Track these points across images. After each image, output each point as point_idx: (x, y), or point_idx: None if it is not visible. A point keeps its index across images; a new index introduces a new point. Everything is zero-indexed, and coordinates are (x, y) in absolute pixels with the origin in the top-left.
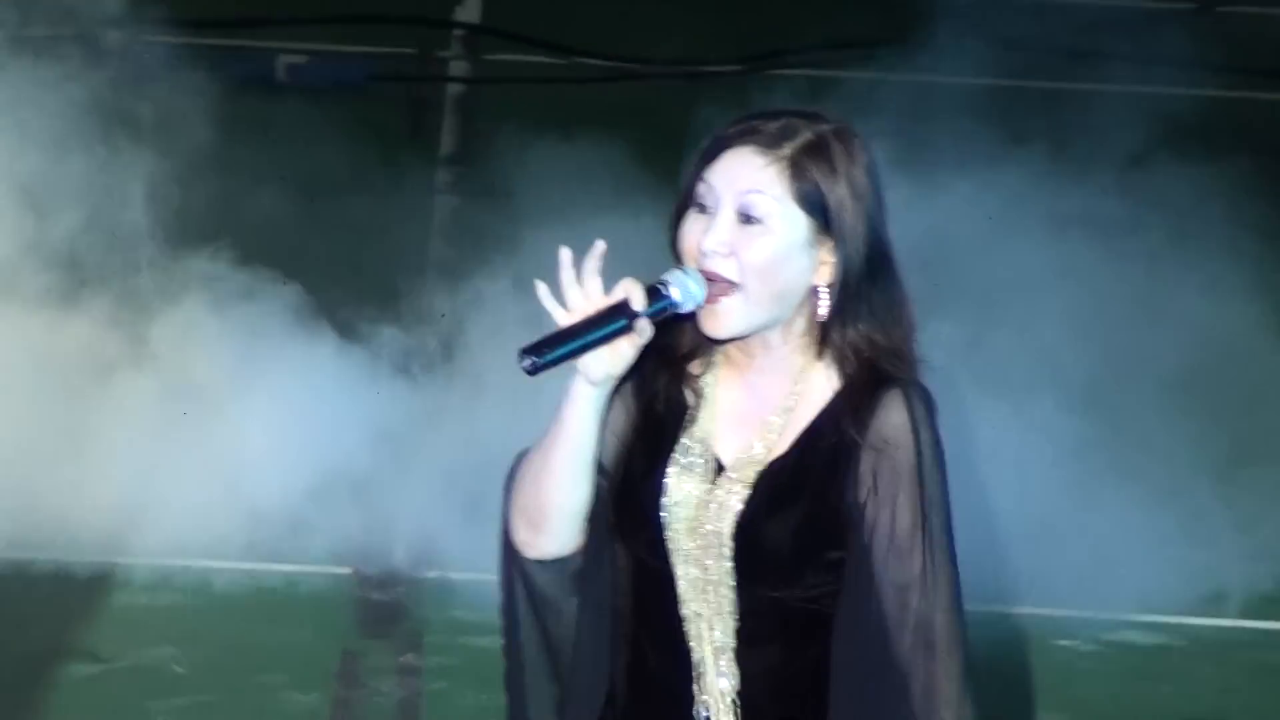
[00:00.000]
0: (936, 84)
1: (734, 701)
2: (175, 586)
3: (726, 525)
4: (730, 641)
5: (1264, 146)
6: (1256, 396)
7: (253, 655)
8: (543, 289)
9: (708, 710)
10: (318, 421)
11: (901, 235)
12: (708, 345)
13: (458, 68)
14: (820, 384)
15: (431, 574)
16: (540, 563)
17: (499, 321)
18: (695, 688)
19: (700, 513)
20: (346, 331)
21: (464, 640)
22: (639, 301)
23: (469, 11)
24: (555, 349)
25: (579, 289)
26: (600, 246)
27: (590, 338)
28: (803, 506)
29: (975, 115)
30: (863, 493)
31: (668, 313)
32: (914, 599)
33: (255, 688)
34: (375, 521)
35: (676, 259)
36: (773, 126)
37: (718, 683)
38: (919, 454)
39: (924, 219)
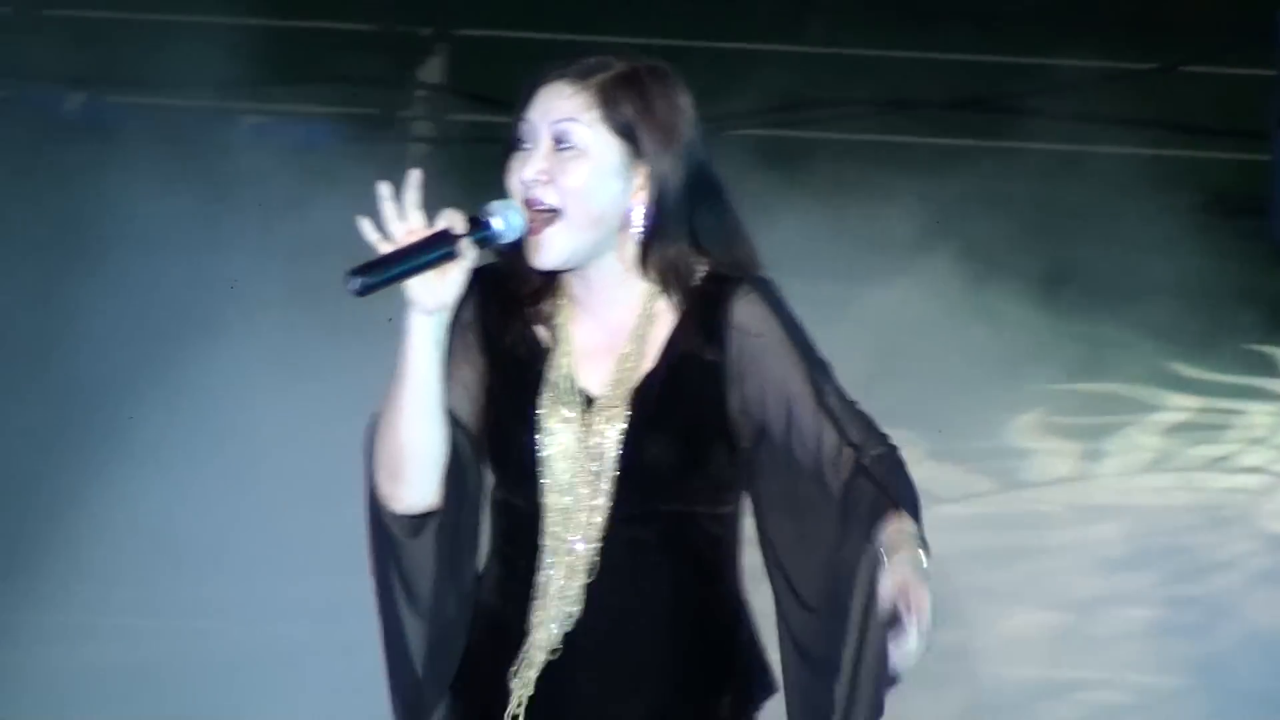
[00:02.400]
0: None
1: (566, 623)
2: None
3: (609, 449)
4: (583, 569)
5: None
6: None
7: None
8: (365, 223)
9: (536, 634)
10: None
11: None
12: (551, 287)
13: (421, 128)
14: (663, 304)
15: None
16: (405, 518)
17: None
18: (532, 619)
19: (579, 444)
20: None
21: None
22: (460, 228)
23: (431, 72)
24: (383, 270)
25: (401, 222)
26: (416, 175)
27: (417, 261)
28: (681, 417)
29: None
30: (746, 384)
31: (490, 242)
32: (834, 452)
33: None
34: None
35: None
36: (587, 62)
37: (560, 609)
38: (785, 329)
39: None
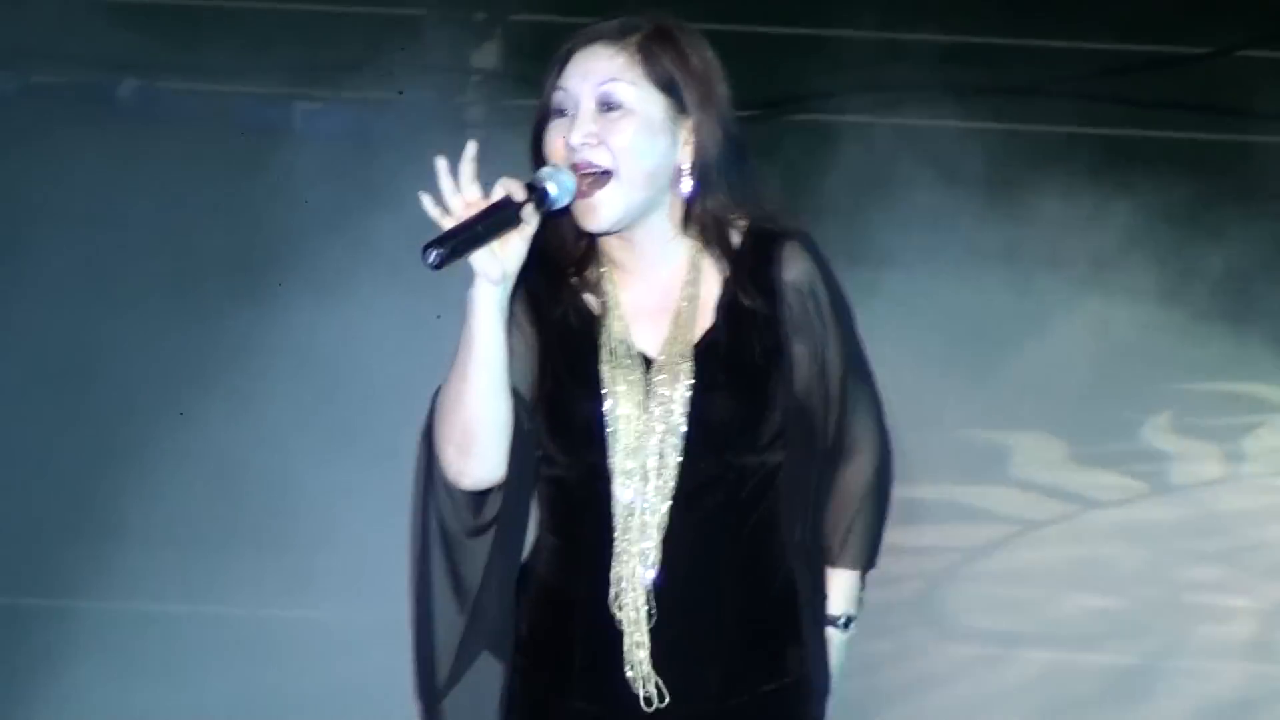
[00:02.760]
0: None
1: (650, 590)
2: None
3: (676, 408)
4: (663, 523)
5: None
6: None
7: None
8: (426, 198)
9: (624, 606)
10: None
11: None
12: (593, 255)
13: (475, 113)
14: (709, 261)
15: None
16: (469, 495)
17: None
18: (613, 587)
19: (642, 406)
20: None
21: None
22: (519, 195)
23: (486, 57)
24: (456, 241)
25: (459, 194)
26: (472, 147)
27: (484, 230)
28: (746, 371)
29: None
30: (795, 334)
31: (546, 207)
32: (843, 419)
33: None
34: None
35: (536, 165)
36: (615, 24)
37: (638, 562)
38: (833, 295)
39: None
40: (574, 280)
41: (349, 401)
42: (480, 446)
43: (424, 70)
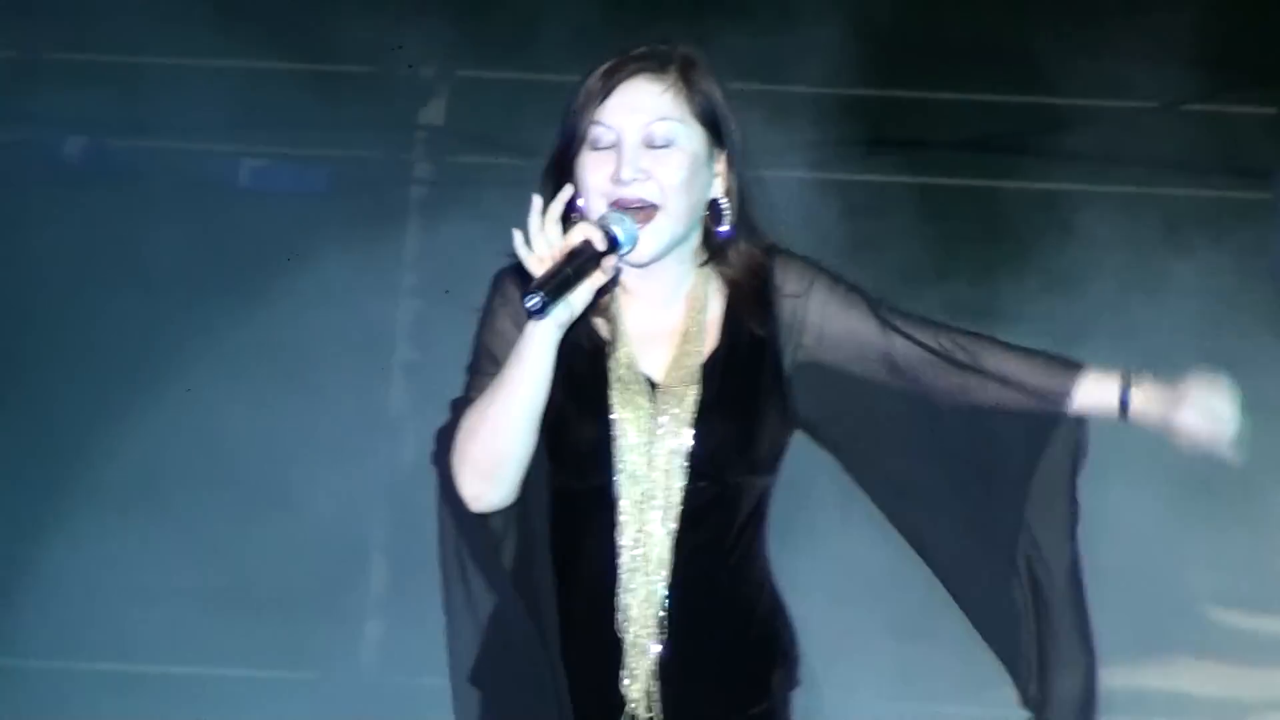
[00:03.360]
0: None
1: (663, 608)
2: None
3: (682, 429)
4: (669, 545)
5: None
6: None
7: None
8: (518, 236)
9: (631, 626)
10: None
11: None
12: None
13: (422, 170)
14: (714, 285)
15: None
16: (483, 516)
17: None
18: (620, 599)
19: (649, 429)
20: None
21: None
22: (600, 243)
23: (433, 113)
24: (550, 287)
25: (545, 236)
26: (568, 190)
27: (573, 275)
28: (745, 392)
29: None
30: (811, 344)
31: (617, 254)
32: (915, 364)
33: None
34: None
35: (548, 195)
36: (650, 55)
37: (652, 596)
38: (825, 277)
39: None
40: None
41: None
42: (504, 473)
43: (371, 126)
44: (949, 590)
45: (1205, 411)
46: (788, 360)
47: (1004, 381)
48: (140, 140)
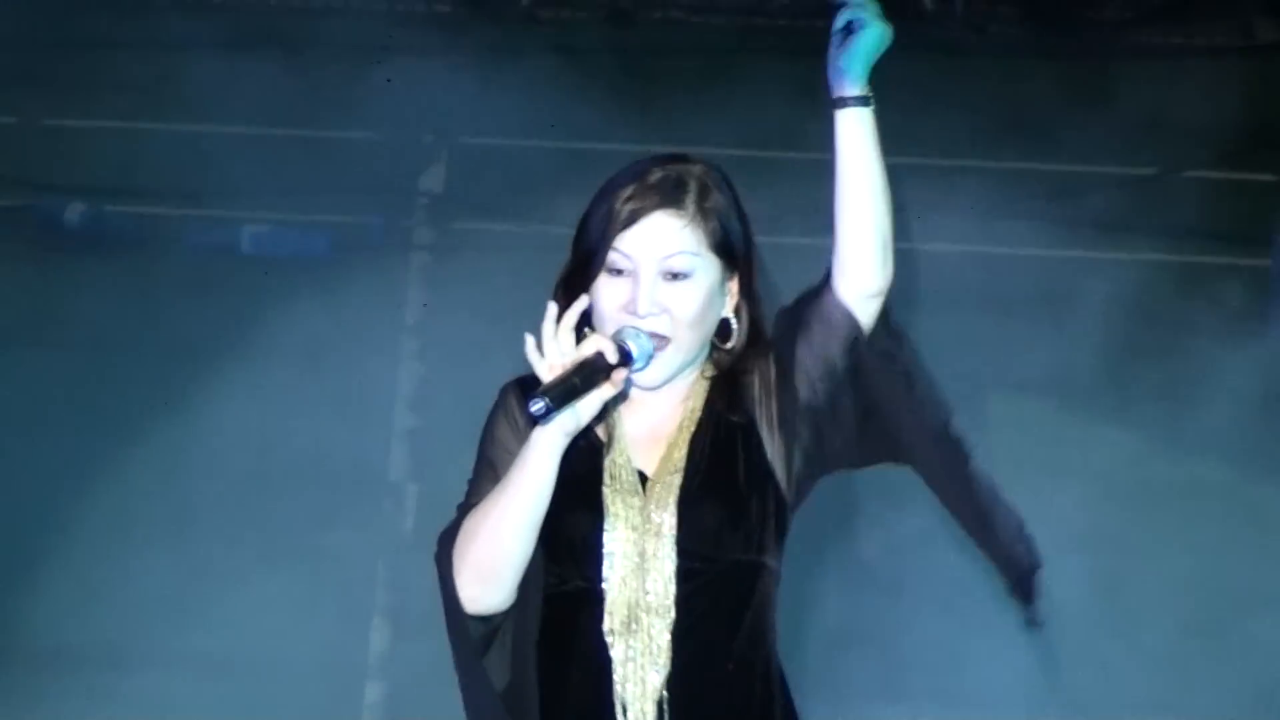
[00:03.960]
0: None
1: (661, 698)
2: None
3: (669, 518)
4: (665, 633)
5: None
6: None
7: None
8: (530, 341)
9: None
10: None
11: None
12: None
13: (422, 235)
14: (702, 381)
15: None
16: (479, 618)
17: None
18: (617, 692)
19: (642, 522)
20: (312, 503)
21: None
22: (612, 356)
23: (433, 180)
24: (557, 394)
25: (557, 343)
26: (584, 302)
27: (581, 384)
28: (725, 475)
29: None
30: (780, 398)
31: (629, 369)
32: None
33: None
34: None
35: (562, 304)
36: (663, 183)
37: (648, 688)
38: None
39: None
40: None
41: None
42: (503, 577)
43: (371, 192)
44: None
45: None
46: (766, 437)
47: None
48: (140, 206)
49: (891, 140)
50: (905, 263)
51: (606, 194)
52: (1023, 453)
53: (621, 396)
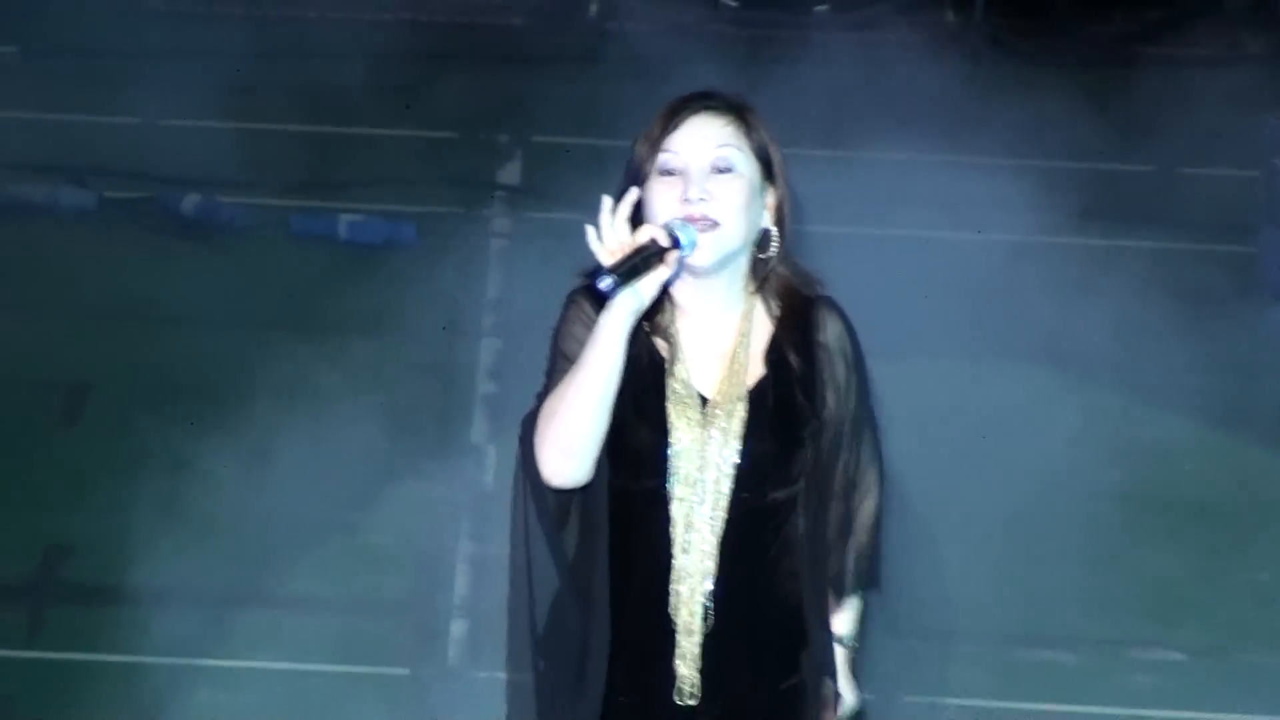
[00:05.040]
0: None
1: (708, 597)
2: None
3: (731, 445)
4: (714, 542)
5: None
6: None
7: None
8: (590, 230)
9: (680, 613)
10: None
11: None
12: (665, 303)
13: (499, 224)
14: (761, 314)
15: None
16: (559, 491)
17: None
18: (671, 589)
19: (700, 441)
20: (405, 462)
21: None
22: (664, 240)
23: (509, 174)
24: (621, 272)
25: (614, 230)
26: (635, 194)
27: (641, 264)
28: (786, 418)
29: None
30: (826, 387)
31: (680, 254)
32: (854, 457)
33: None
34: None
35: (632, 222)
36: (712, 98)
37: (699, 587)
38: (857, 356)
39: None
40: (646, 325)
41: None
42: (582, 450)
43: (454, 185)
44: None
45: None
46: (822, 394)
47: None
48: (249, 197)
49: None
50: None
51: (656, 116)
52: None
53: (666, 298)
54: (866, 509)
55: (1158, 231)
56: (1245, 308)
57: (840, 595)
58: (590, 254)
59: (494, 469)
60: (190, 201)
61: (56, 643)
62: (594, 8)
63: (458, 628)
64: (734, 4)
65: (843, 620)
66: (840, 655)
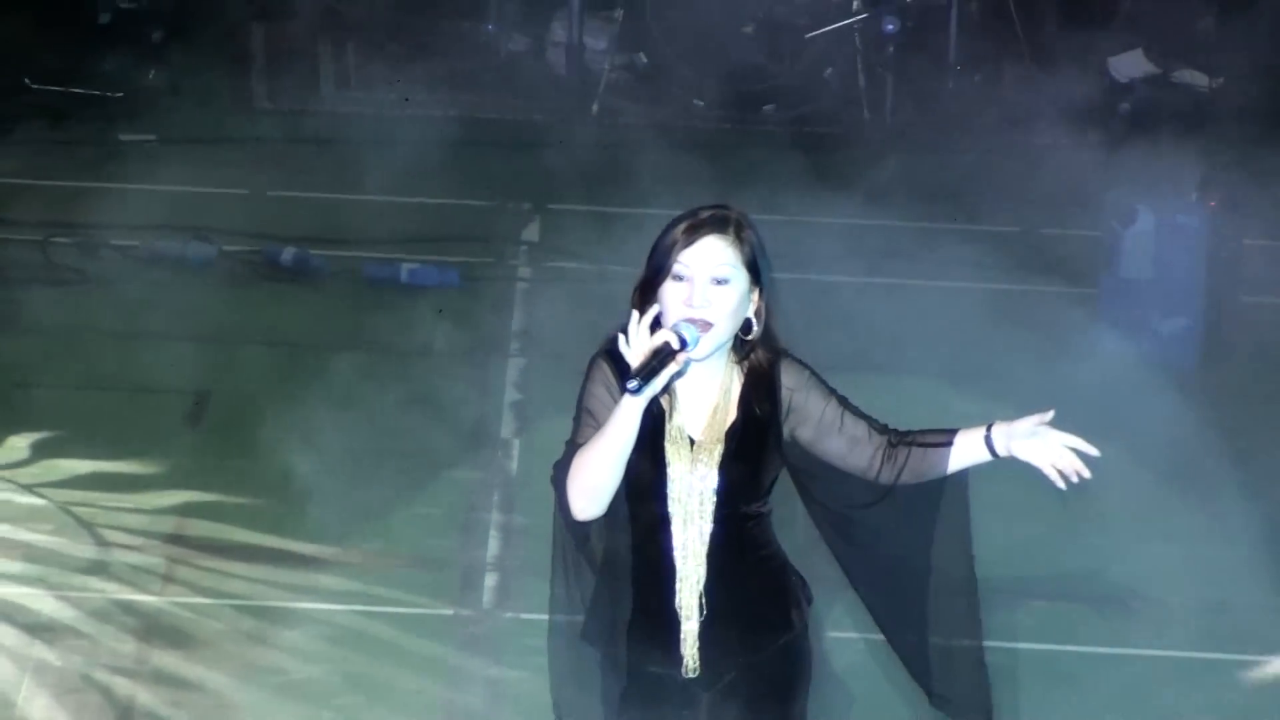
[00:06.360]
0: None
1: (702, 593)
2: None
3: (711, 474)
4: (704, 550)
5: None
6: None
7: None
8: (621, 338)
9: (683, 603)
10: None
11: None
12: None
13: (523, 272)
14: (734, 373)
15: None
16: (583, 522)
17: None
18: (677, 587)
19: (690, 473)
20: (450, 452)
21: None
22: (676, 344)
23: (531, 233)
24: (646, 375)
25: (639, 338)
26: (655, 309)
27: (657, 365)
28: (754, 452)
29: None
30: (797, 422)
31: (686, 353)
32: (859, 440)
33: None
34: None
35: (639, 305)
36: (716, 219)
37: (694, 584)
38: (817, 377)
39: None
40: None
41: None
42: (600, 498)
43: (487, 241)
44: (870, 609)
45: (1042, 444)
46: (785, 432)
47: (909, 444)
48: (333, 250)
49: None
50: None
51: (671, 227)
52: None
53: (680, 374)
54: (879, 434)
55: (1021, 277)
56: (1087, 339)
57: (929, 435)
58: (606, 319)
59: (518, 458)
60: (288, 253)
61: (183, 589)
62: (595, 106)
63: (490, 579)
64: (701, 104)
65: (969, 440)
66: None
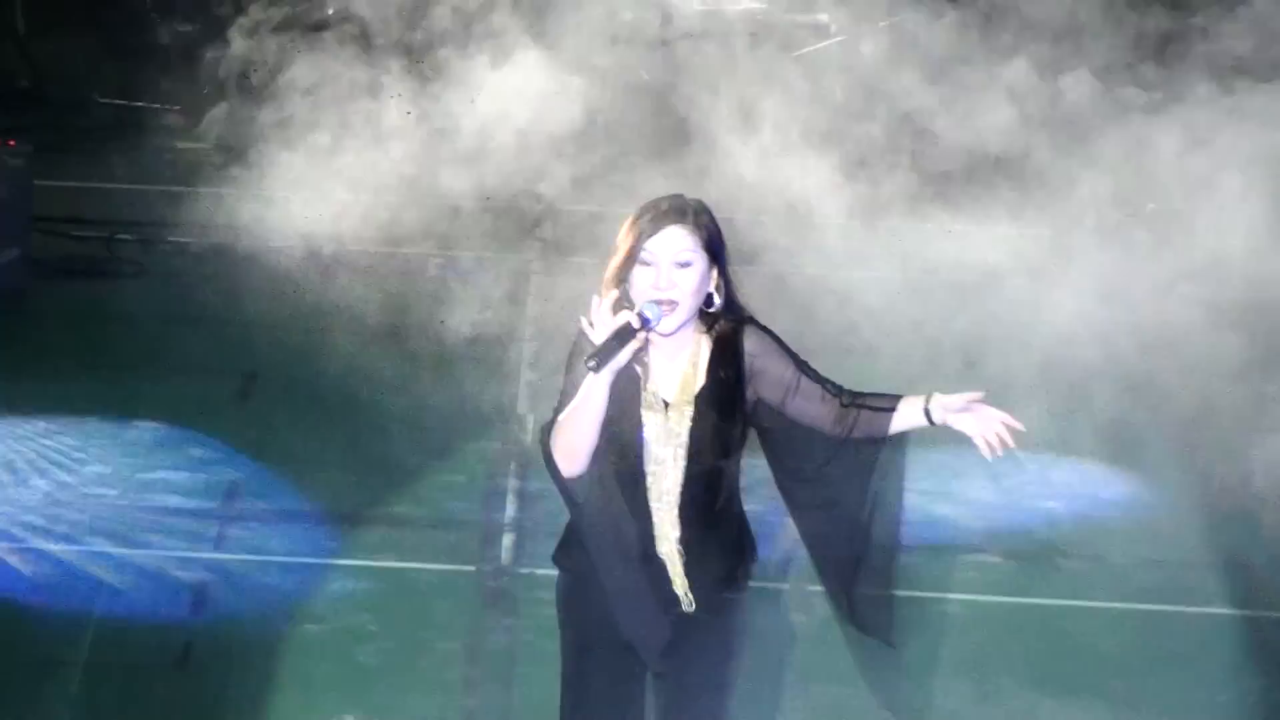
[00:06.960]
0: None
1: (680, 544)
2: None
3: (683, 433)
4: (677, 502)
5: None
6: None
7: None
8: (583, 319)
9: (663, 549)
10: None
11: None
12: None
13: (537, 265)
14: (703, 343)
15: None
16: (570, 478)
17: None
18: (655, 533)
19: (664, 431)
20: (472, 425)
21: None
22: (637, 323)
23: (545, 231)
24: (603, 355)
25: (601, 320)
26: (614, 294)
27: (618, 344)
28: (719, 413)
29: None
30: (757, 382)
31: (648, 329)
32: (815, 398)
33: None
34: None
35: (614, 288)
36: (676, 208)
37: (671, 531)
38: (779, 343)
39: None
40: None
41: None
42: (580, 458)
43: (507, 237)
44: (814, 564)
45: (973, 417)
46: (749, 392)
47: (859, 406)
48: (377, 247)
49: None
50: None
51: (637, 217)
52: None
53: (648, 344)
54: (835, 398)
55: None
56: None
57: (881, 400)
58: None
59: (532, 431)
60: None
61: (234, 547)
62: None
63: (508, 538)
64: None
65: (908, 410)
66: (920, 402)
